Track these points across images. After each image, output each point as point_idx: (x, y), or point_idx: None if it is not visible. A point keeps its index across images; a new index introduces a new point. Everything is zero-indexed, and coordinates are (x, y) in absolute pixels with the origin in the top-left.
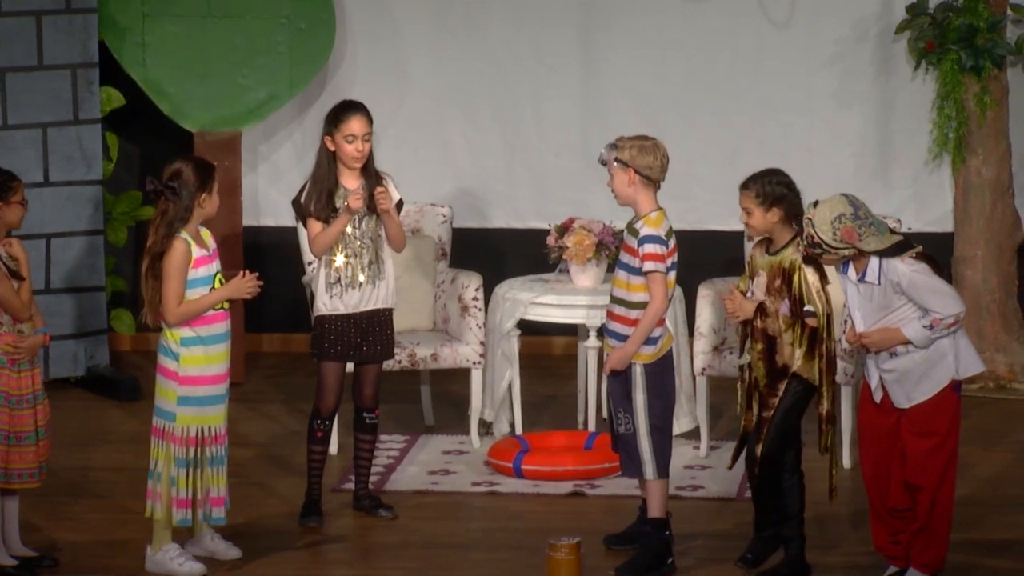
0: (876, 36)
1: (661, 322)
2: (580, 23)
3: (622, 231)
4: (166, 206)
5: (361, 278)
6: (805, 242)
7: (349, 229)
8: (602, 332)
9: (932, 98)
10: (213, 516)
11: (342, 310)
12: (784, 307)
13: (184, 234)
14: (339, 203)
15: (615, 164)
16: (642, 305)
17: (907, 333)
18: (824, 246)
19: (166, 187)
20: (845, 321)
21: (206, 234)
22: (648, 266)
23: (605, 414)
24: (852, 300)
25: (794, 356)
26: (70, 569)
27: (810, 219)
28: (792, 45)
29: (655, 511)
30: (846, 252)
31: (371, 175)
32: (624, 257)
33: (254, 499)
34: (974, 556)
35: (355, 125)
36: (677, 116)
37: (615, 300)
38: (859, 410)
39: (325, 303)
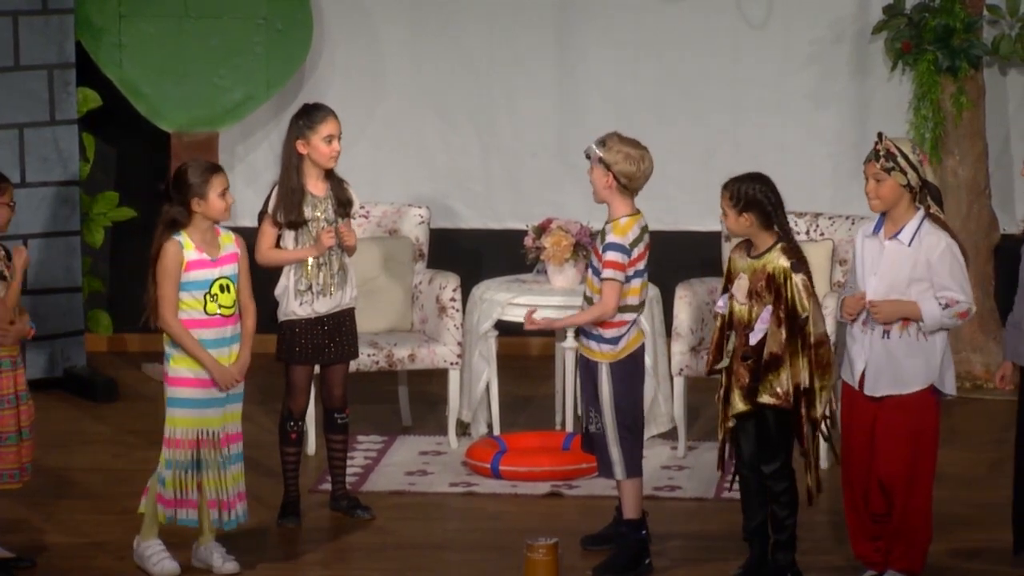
0: (853, 37)
1: (621, 323)
2: (556, 24)
3: (599, 232)
4: (167, 208)
5: (332, 285)
6: (879, 154)
7: (319, 234)
8: (577, 333)
9: (909, 99)
10: (224, 521)
11: (312, 315)
12: (766, 313)
13: (181, 236)
14: (307, 211)
15: (599, 162)
16: None
17: (923, 307)
18: (899, 158)
19: (165, 191)
20: (844, 287)
21: (227, 239)
22: (607, 273)
23: (580, 412)
24: (868, 265)
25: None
26: (47, 570)
27: (886, 135)
28: (768, 45)
29: (630, 512)
30: (911, 177)
31: (335, 179)
32: (595, 261)
33: None
34: (951, 558)
35: (332, 125)
36: (653, 116)
37: (588, 301)
38: (841, 413)
39: (295, 309)
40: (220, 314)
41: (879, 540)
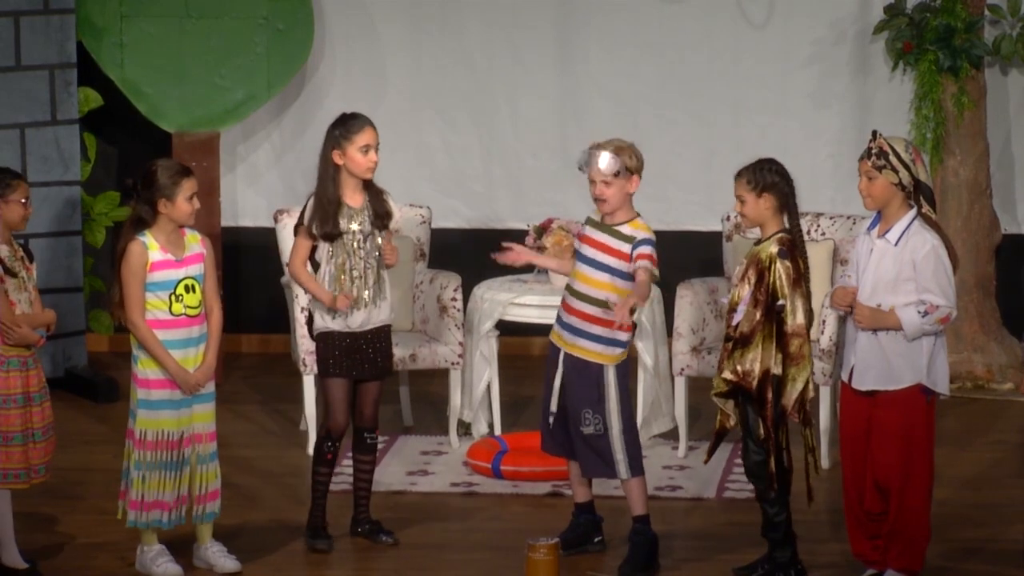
0: (854, 36)
1: (629, 327)
2: (556, 23)
3: (592, 221)
4: (134, 206)
5: (366, 298)
6: (872, 152)
7: (356, 246)
8: (564, 326)
9: (910, 99)
10: (195, 517)
11: (345, 329)
12: (748, 295)
13: (146, 236)
14: (343, 222)
15: (625, 171)
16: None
17: (902, 317)
18: (892, 156)
19: (133, 187)
20: (846, 275)
21: (193, 239)
22: (646, 263)
23: (553, 407)
24: (860, 262)
25: (773, 358)
26: (47, 570)
27: (880, 133)
28: (769, 45)
29: (639, 508)
30: (902, 176)
31: (374, 190)
32: (587, 250)
33: (231, 500)
34: (951, 558)
35: (369, 135)
36: (654, 116)
37: (582, 296)
38: (840, 412)
39: (328, 323)
40: (186, 314)
41: (878, 539)
